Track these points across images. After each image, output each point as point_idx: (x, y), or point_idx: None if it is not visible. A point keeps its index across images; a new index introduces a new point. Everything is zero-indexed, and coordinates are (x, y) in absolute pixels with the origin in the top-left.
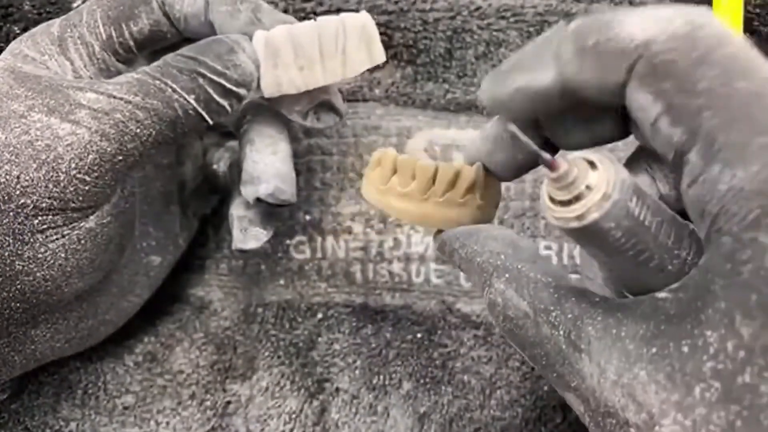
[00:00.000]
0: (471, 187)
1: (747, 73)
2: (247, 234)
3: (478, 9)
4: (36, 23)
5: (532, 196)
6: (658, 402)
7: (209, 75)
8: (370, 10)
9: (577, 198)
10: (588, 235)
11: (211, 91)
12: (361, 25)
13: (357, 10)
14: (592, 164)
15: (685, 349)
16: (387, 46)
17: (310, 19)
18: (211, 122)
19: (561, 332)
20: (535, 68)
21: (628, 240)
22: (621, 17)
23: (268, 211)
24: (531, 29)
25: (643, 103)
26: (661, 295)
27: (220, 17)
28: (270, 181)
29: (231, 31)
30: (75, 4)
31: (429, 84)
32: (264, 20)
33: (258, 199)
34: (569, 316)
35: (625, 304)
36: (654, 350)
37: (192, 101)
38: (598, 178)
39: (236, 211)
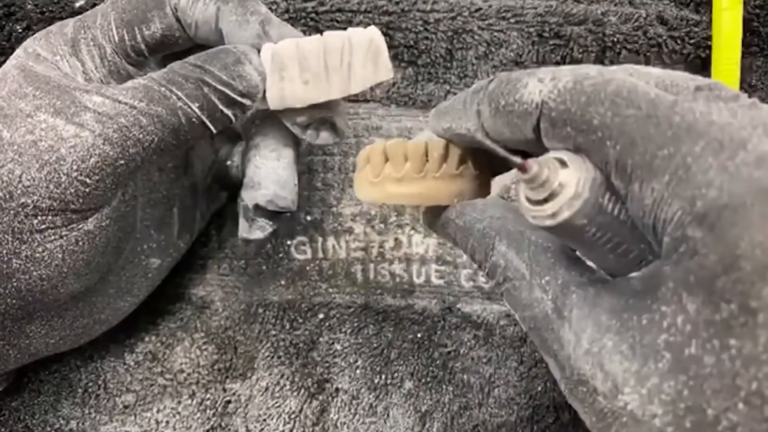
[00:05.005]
0: (463, 156)
1: (633, 101)
2: (254, 224)
3: (478, 10)
4: (39, 22)
5: None
6: (621, 371)
7: (215, 84)
8: (371, 11)
9: (551, 196)
10: (564, 232)
11: (215, 100)
12: (368, 40)
13: (357, 11)
14: (563, 163)
15: (645, 321)
16: (388, 46)
17: (310, 19)
18: (214, 131)
19: (549, 297)
20: (462, 117)
21: (604, 234)
22: (525, 80)
23: (269, 215)
24: (531, 30)
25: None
26: (634, 274)
27: (229, 26)
28: (269, 187)
29: (239, 42)
30: (77, 4)
31: (430, 85)
32: (271, 33)
33: (257, 205)
34: (559, 282)
35: (608, 279)
36: (620, 322)
37: (196, 110)
38: (568, 177)
39: (244, 201)
